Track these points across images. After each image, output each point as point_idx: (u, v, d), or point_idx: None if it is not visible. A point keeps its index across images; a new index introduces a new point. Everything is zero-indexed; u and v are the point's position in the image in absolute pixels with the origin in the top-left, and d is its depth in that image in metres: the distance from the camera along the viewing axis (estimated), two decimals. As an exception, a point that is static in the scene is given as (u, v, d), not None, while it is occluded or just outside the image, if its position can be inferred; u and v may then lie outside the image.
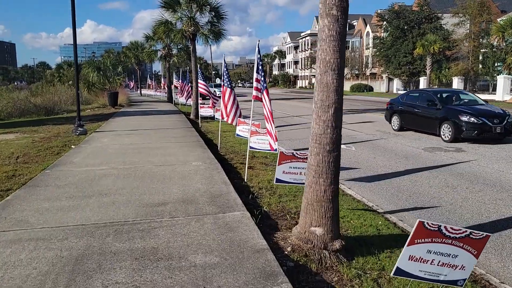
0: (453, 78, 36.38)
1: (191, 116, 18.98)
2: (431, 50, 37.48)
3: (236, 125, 9.50)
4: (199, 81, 15.42)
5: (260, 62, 6.35)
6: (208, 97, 15.64)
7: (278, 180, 5.37)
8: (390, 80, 49.65)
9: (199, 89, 15.27)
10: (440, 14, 43.03)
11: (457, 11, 35.56)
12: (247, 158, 7.65)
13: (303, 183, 4.36)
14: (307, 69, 78.34)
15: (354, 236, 4.56)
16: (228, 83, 9.58)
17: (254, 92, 6.43)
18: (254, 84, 6.44)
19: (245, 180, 7.01)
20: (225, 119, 9.83)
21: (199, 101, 17.90)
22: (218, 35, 17.89)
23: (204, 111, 16.73)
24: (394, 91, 47.62)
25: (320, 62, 3.76)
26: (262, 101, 6.33)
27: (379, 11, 63.86)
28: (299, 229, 4.14)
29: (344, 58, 3.80)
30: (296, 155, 5.33)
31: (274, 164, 8.43)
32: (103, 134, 12.26)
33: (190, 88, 21.59)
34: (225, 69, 9.72)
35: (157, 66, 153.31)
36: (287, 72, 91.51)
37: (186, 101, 22.30)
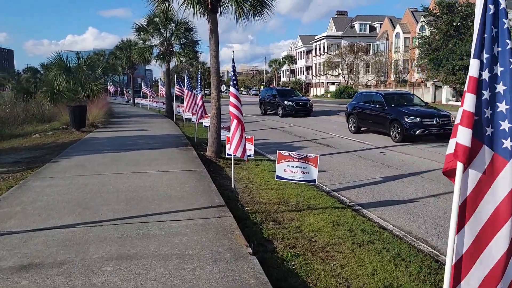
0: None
1: (208, 153, 10.37)
2: (506, 50, 29.06)
3: None
4: (230, 87, 6.97)
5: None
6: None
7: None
8: (436, 88, 41.01)
9: (230, 101, 6.85)
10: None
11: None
12: None
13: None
14: (323, 75, 69.83)
15: None
16: None
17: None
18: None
19: None
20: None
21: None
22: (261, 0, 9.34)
23: (237, 145, 8.05)
24: (443, 102, 38.90)
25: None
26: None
27: (411, 9, 56.02)
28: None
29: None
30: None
31: None
32: None
33: (202, 101, 13.06)
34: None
35: (158, 72, 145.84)
36: (298, 79, 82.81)
37: (198, 121, 13.66)
